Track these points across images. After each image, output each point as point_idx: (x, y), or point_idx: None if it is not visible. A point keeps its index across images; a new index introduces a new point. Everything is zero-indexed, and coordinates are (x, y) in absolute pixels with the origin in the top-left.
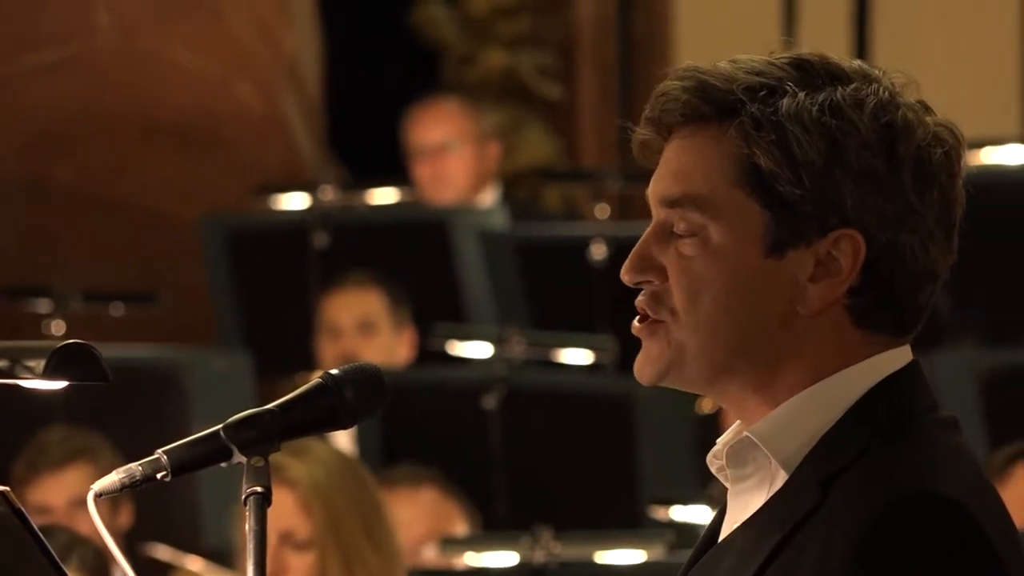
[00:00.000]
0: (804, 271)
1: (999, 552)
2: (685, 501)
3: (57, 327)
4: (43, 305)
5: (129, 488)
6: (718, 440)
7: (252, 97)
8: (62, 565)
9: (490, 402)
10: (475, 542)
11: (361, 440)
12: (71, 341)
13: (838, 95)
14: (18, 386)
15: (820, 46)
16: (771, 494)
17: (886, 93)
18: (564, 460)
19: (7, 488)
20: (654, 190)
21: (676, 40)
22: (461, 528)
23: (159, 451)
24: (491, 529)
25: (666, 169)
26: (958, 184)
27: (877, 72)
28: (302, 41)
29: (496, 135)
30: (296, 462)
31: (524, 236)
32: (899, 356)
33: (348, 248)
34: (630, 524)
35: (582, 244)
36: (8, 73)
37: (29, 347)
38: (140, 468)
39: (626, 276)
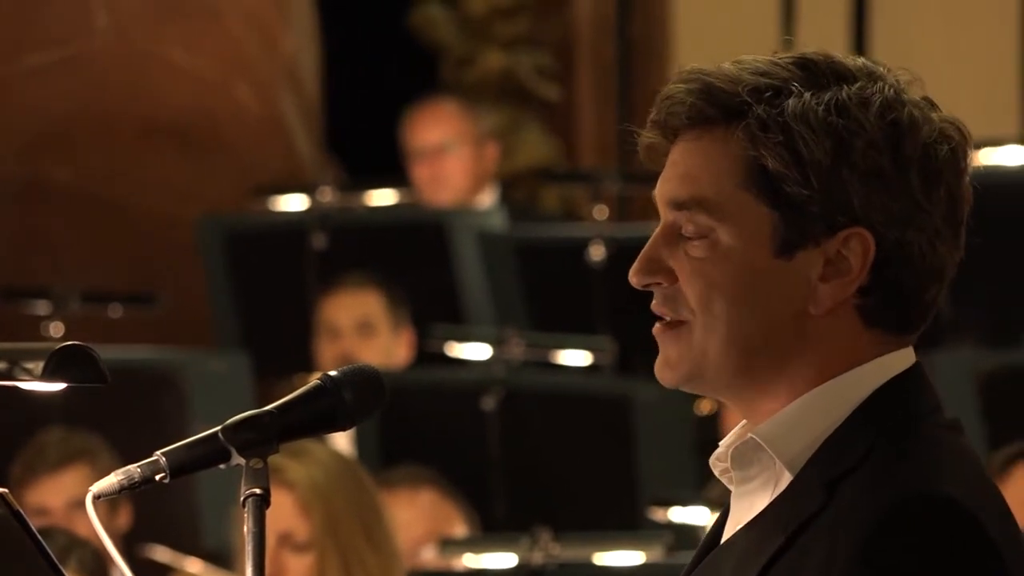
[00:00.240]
0: (814, 271)
1: (1003, 553)
2: (684, 502)
3: (55, 328)
4: (41, 306)
5: (128, 490)
6: (720, 442)
7: (251, 98)
8: (61, 567)
9: (489, 403)
10: (474, 543)
11: (360, 441)
12: (69, 343)
13: (843, 94)
14: (17, 388)
15: (819, 47)
16: (775, 495)
17: (891, 91)
18: (563, 461)
19: (5, 490)
20: (661, 192)
21: (675, 41)
22: (460, 529)
23: (158, 453)
24: (490, 530)
25: (673, 172)
26: (964, 181)
27: (882, 70)
28: (301, 42)
29: (494, 136)
30: (295, 464)
31: (523, 237)
32: (904, 357)
33: (347, 249)
34: (629, 525)
35: (581, 245)
36: (7, 73)
37: (27, 349)
38: (139, 470)
39: (634, 278)
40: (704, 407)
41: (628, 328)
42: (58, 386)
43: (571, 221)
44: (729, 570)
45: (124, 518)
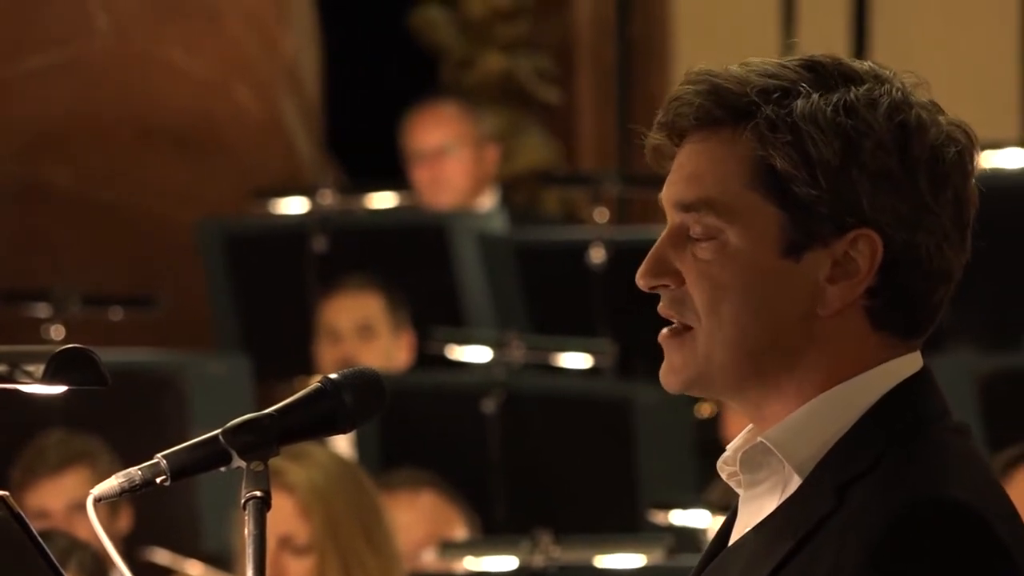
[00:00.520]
0: (822, 272)
1: (1013, 556)
2: (684, 505)
3: (56, 331)
4: (42, 309)
5: (128, 492)
6: (728, 446)
7: (251, 100)
8: (61, 570)
9: (489, 406)
10: (474, 546)
11: (360, 444)
12: (70, 345)
13: (852, 95)
14: (17, 391)
15: (819, 50)
16: (784, 498)
17: (899, 93)
18: (563, 464)
19: (6, 492)
20: (668, 194)
21: (675, 43)
22: (460, 532)
23: (158, 455)
24: (490, 533)
25: (680, 173)
26: (971, 184)
27: (889, 73)
28: (301, 44)
29: (495, 138)
30: (295, 466)
31: (523, 240)
32: (912, 362)
33: (347, 252)
34: (629, 528)
35: (581, 248)
36: (6, 75)
37: (28, 352)
38: (139, 472)
39: (642, 280)
40: (704, 410)
41: (628, 330)
42: (59, 389)
43: (571, 223)
44: (737, 573)
45: (124, 521)
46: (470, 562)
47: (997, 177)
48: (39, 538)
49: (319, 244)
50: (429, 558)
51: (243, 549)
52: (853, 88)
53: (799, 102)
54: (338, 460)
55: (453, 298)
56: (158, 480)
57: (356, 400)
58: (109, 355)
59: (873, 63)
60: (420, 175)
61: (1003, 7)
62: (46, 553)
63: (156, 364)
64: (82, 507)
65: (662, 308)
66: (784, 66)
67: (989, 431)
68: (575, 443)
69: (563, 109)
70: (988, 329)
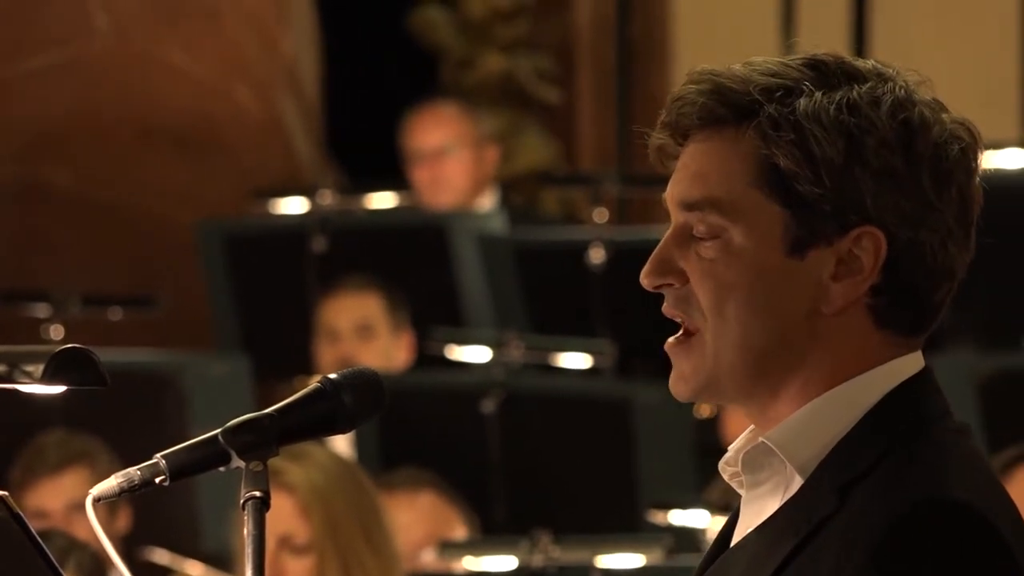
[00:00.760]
0: (827, 270)
1: (1015, 556)
2: (684, 505)
3: (55, 331)
4: (41, 309)
5: (127, 492)
6: (730, 447)
7: (250, 100)
8: (60, 569)
9: (489, 406)
10: (474, 546)
11: (360, 444)
12: (69, 346)
13: (855, 94)
14: (16, 391)
15: (819, 50)
16: (786, 499)
17: (902, 91)
18: (563, 464)
19: (5, 492)
20: (672, 193)
21: (675, 43)
22: (460, 532)
23: (157, 455)
24: (490, 533)
25: (684, 173)
26: (975, 182)
27: (891, 71)
28: (300, 44)
29: (494, 139)
30: (295, 466)
31: (523, 240)
32: (913, 361)
33: (346, 252)
34: (629, 528)
35: (580, 248)
36: (6, 75)
37: (27, 352)
38: (138, 472)
39: (646, 280)
40: (704, 410)
41: (628, 331)
42: (58, 389)
43: (571, 224)
44: (739, 574)
45: (123, 521)
46: (469, 562)
47: (997, 177)
48: (38, 538)
49: (319, 244)
50: (428, 558)
51: (242, 549)
52: (856, 86)
53: (802, 101)
54: (338, 460)
55: (452, 298)
56: (157, 480)
57: (355, 400)
58: (108, 355)
59: (876, 61)
60: (420, 175)
61: (1003, 7)
62: (45, 553)
63: (155, 364)
64: (81, 507)
65: (667, 308)
66: (787, 65)
67: (989, 431)
68: (574, 443)
69: (563, 109)
70: (988, 330)
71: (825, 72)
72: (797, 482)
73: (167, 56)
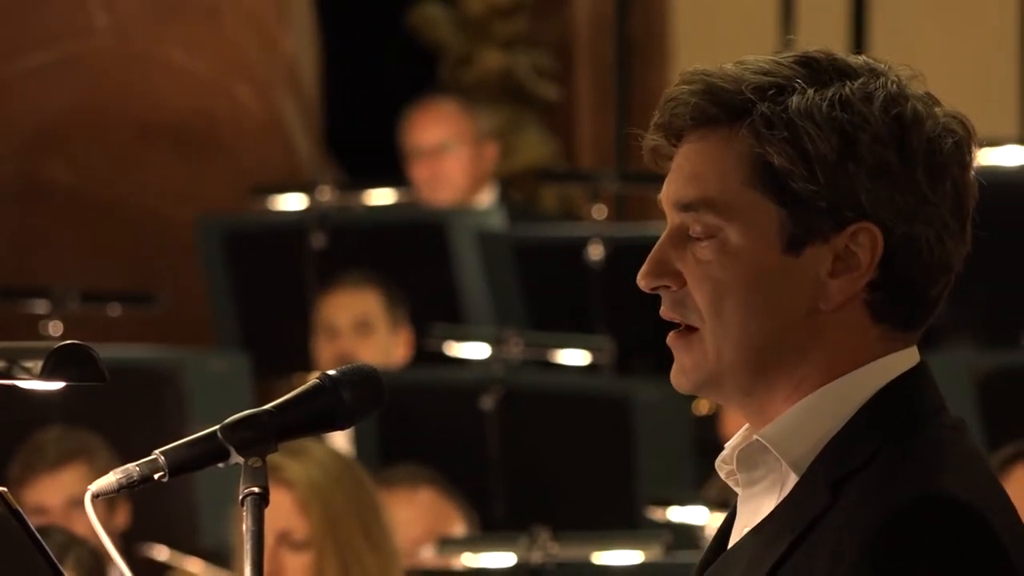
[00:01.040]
0: (823, 267)
1: (1010, 553)
2: (682, 502)
3: (54, 328)
4: (40, 306)
5: (126, 488)
6: (726, 445)
7: (250, 98)
8: (59, 565)
9: (487, 403)
10: (473, 543)
11: (358, 441)
12: (68, 342)
13: (847, 90)
14: (15, 387)
15: (820, 46)
16: (782, 497)
17: (894, 86)
18: (561, 461)
19: (4, 488)
20: (667, 194)
21: (674, 40)
22: (459, 529)
23: (156, 451)
24: (489, 530)
25: (678, 173)
26: (970, 175)
27: (883, 66)
28: (300, 42)
29: (493, 136)
30: (293, 463)
31: (521, 237)
32: (908, 357)
33: (346, 249)
34: (627, 525)
35: (579, 245)
36: (5, 74)
37: (26, 348)
38: (137, 468)
39: (643, 281)
40: (702, 407)
41: (627, 327)
42: (57, 385)
43: (570, 221)
44: (738, 574)
45: (122, 517)
46: (468, 558)
47: (995, 174)
48: (37, 534)
49: (318, 241)
50: (427, 554)
51: (241, 545)
52: (848, 82)
53: (794, 98)
54: (336, 456)
55: (451, 295)
56: (156, 476)
57: (354, 396)
58: (108, 352)
59: (868, 57)
60: (419, 172)
61: (1003, 7)
62: (44, 549)
63: (155, 361)
64: (80, 503)
65: (664, 311)
66: (778, 63)
67: (987, 428)
68: (573, 440)
69: (562, 106)
70: (986, 327)
71: (817, 69)
72: (792, 479)
73: (167, 55)
